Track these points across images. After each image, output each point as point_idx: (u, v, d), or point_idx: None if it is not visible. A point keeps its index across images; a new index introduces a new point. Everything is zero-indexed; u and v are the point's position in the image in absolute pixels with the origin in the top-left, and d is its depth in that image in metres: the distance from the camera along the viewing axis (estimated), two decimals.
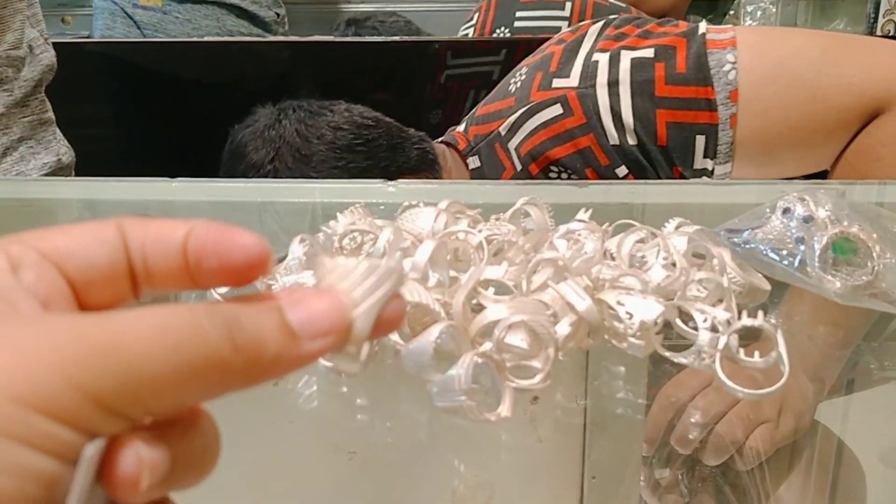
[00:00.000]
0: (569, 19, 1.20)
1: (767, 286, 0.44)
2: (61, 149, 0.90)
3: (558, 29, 1.14)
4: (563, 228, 0.45)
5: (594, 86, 0.79)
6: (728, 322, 0.38)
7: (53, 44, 0.89)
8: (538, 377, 0.38)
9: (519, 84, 0.86)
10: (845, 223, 0.45)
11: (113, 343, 0.19)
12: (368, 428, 0.55)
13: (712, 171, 0.78)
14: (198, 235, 0.22)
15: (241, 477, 0.58)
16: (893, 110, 0.73)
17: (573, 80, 0.81)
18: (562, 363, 0.40)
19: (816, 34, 0.85)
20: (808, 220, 0.45)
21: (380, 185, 0.58)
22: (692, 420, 0.60)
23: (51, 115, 0.89)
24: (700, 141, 0.77)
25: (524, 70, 0.87)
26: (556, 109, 0.80)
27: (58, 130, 0.91)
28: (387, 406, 0.50)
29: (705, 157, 0.78)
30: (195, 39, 1.39)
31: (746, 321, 0.37)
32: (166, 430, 0.20)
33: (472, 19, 1.31)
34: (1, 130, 0.82)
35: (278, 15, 1.59)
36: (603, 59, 0.80)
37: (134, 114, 1.31)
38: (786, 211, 0.45)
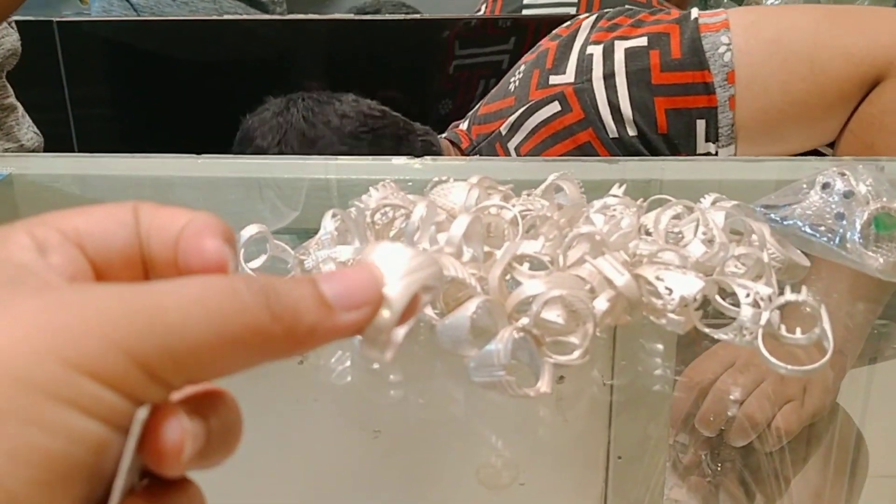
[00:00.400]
0: (577, 5, 1.18)
1: (807, 262, 0.43)
2: (26, 134, 0.88)
3: (568, 17, 1.13)
4: (598, 203, 0.44)
5: (590, 80, 0.79)
6: (770, 298, 0.37)
7: (57, 23, 0.88)
8: (576, 353, 0.37)
9: (518, 83, 0.86)
10: (885, 198, 0.44)
11: (155, 309, 0.18)
12: (395, 406, 0.54)
13: (716, 155, 0.78)
14: (190, 230, 0.22)
15: (263, 457, 0.58)
16: (894, 77, 0.72)
17: (569, 75, 0.80)
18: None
19: (811, 7, 0.84)
20: (848, 195, 0.44)
21: (406, 161, 0.57)
22: (716, 401, 0.59)
23: (13, 100, 0.87)
24: (700, 125, 0.77)
25: (522, 68, 0.87)
26: (555, 107, 0.80)
27: (24, 116, 0.89)
28: (418, 383, 0.49)
29: (707, 140, 0.77)
30: (193, 17, 1.37)
31: (790, 296, 0.37)
32: (198, 404, 0.20)
33: (479, 10, 1.30)
34: None
35: None
36: (597, 51, 0.80)
37: (133, 92, 1.30)
38: (825, 186, 0.44)
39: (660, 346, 0.42)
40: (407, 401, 0.52)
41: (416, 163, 0.57)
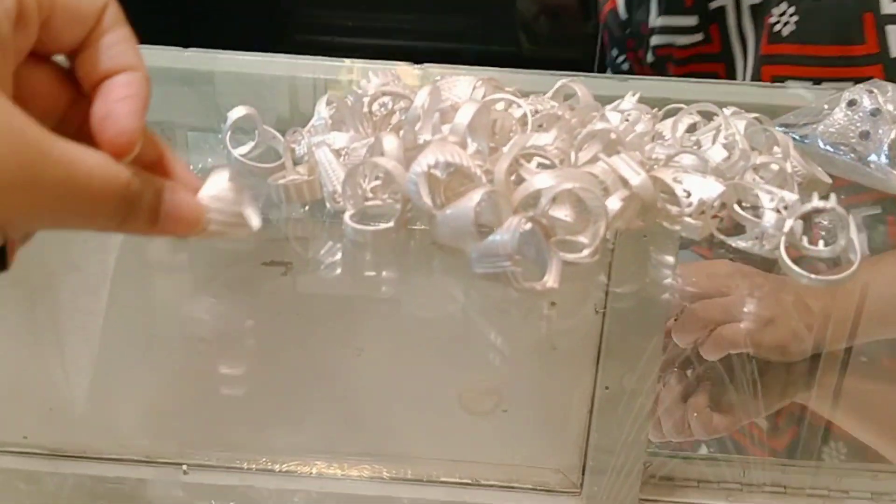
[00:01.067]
0: None
1: (828, 179, 0.40)
2: None
3: None
4: (611, 106, 0.41)
5: None
6: (793, 206, 0.35)
7: None
8: (585, 251, 0.35)
9: None
10: None
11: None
12: (380, 320, 0.52)
13: None
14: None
15: (242, 373, 0.55)
16: None
17: None
18: (580, 270, 0.36)
19: None
20: (875, 112, 0.41)
21: (405, 66, 0.54)
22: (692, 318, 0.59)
23: None
24: None
25: None
26: None
27: None
28: (412, 281, 0.47)
29: None
30: None
31: (817, 203, 0.34)
32: None
33: None
34: None
35: None
36: None
37: None
38: (851, 103, 0.42)
39: (667, 257, 0.40)
40: (396, 311, 0.50)
41: (416, 69, 0.54)
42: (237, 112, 0.39)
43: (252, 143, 0.40)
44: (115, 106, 0.23)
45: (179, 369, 0.54)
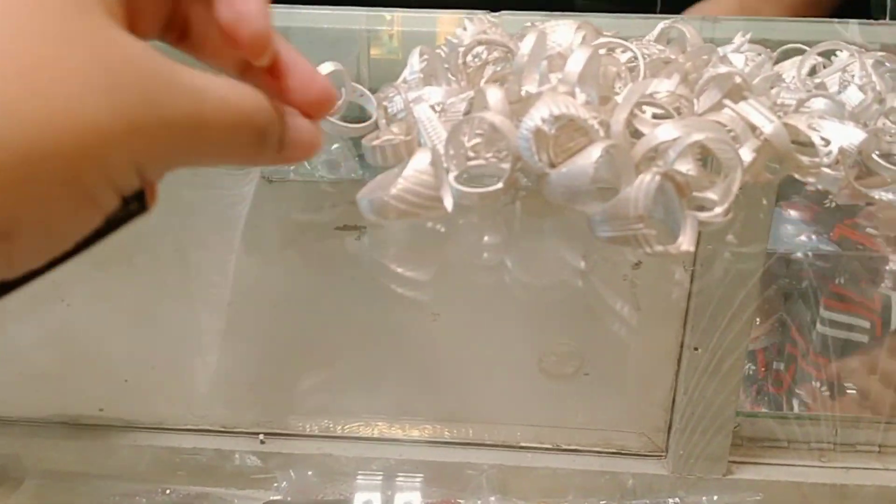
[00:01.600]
0: None
1: None
2: None
3: None
4: (730, 46, 0.38)
5: None
6: None
7: None
8: (718, 210, 0.32)
9: None
10: None
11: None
12: (455, 288, 0.50)
13: None
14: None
15: (314, 338, 0.53)
16: None
17: None
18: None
19: None
20: None
21: (482, 14, 0.50)
22: None
23: None
24: None
25: None
26: None
27: None
28: (517, 246, 0.44)
29: None
30: None
31: None
32: None
33: None
34: None
35: None
36: None
37: None
38: None
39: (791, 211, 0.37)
40: (467, 281, 0.48)
41: (491, 16, 0.50)
42: (325, 68, 0.36)
43: (340, 101, 0.38)
44: (243, 7, 0.21)
45: (254, 337, 0.52)
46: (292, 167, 0.45)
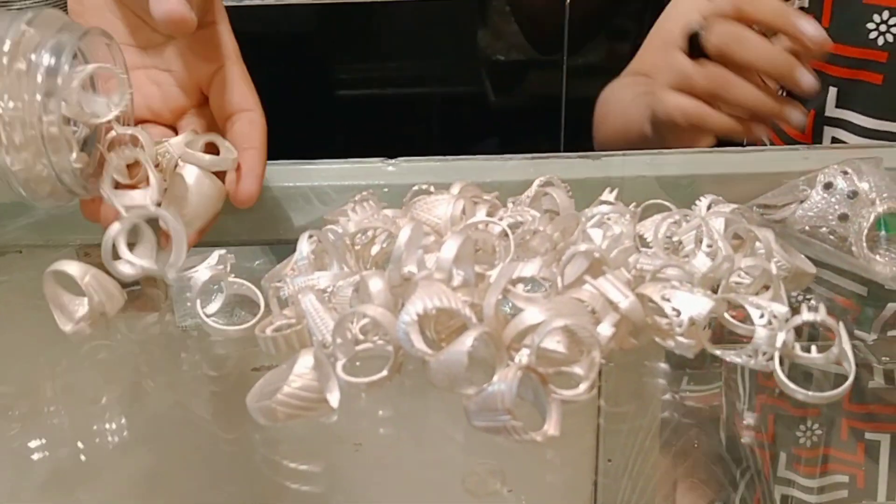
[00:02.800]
0: None
1: (813, 269, 0.41)
2: None
3: None
4: (592, 213, 0.41)
5: None
6: (784, 318, 0.35)
7: None
8: (583, 386, 0.35)
9: None
10: (886, 195, 0.42)
11: None
12: (373, 420, 0.51)
13: None
14: None
15: (236, 469, 0.54)
16: None
17: None
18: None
19: None
20: (852, 195, 0.41)
21: (379, 163, 0.53)
22: None
23: None
24: None
25: None
26: None
27: None
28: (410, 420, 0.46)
29: None
30: None
31: (806, 315, 0.34)
32: None
33: None
34: None
35: None
36: None
37: None
38: (828, 186, 0.42)
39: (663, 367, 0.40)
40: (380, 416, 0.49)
41: (389, 165, 0.53)
42: (202, 276, 0.39)
43: (222, 297, 0.41)
44: None
45: (163, 473, 0.53)
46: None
